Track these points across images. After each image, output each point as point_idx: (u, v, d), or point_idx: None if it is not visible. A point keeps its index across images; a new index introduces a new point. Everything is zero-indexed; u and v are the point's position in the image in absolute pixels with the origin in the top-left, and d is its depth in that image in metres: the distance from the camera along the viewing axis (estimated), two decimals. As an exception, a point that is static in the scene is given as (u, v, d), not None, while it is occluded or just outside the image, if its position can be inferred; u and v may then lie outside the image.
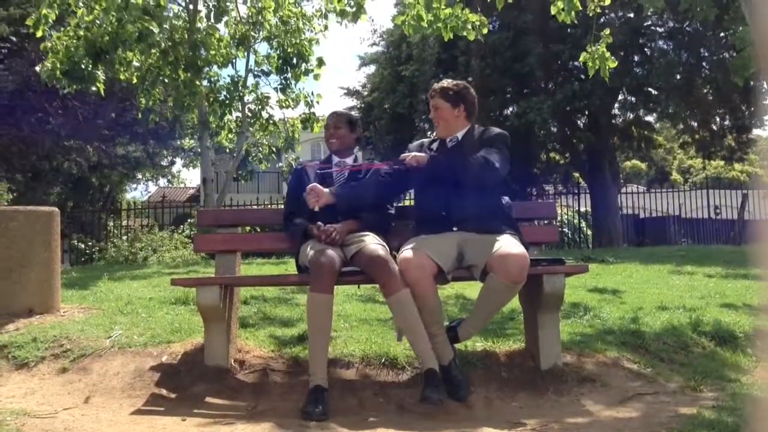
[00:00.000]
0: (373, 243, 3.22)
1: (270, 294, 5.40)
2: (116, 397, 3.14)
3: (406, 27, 6.72)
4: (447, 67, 17.51)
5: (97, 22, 8.39)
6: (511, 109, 17.97)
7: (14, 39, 16.24)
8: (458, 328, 3.30)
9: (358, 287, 5.23)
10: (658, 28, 17.34)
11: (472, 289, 5.64)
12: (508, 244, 3.08)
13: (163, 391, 3.20)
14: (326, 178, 3.55)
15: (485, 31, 6.69)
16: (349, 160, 3.70)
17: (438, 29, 6.81)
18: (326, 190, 3.35)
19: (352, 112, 4.09)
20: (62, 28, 9.20)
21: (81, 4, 7.26)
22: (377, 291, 5.57)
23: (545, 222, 7.70)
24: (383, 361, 3.48)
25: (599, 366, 3.52)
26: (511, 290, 3.10)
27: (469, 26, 6.57)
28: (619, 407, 3.05)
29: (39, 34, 8.09)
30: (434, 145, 3.57)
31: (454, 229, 3.30)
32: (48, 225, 4.34)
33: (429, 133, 20.32)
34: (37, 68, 9.21)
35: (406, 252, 3.12)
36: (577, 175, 21.23)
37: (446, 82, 3.53)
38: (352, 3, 6.63)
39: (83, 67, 8.53)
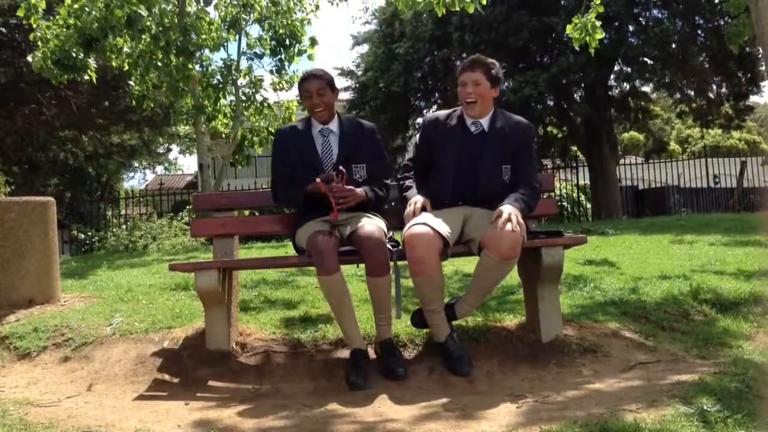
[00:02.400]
0: (369, 224, 3.19)
1: (270, 277, 5.39)
2: (119, 383, 3.15)
3: (401, 3, 6.63)
4: (441, 44, 17.42)
5: (86, 9, 8.31)
6: (506, 84, 17.87)
7: (3, 30, 16.09)
8: (455, 306, 3.29)
9: (357, 266, 5.23)
10: (652, -3, 17.20)
11: (471, 266, 5.64)
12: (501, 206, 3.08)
13: (166, 377, 3.20)
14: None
15: (484, 2, 6.59)
16: (333, 126, 3.45)
17: (431, 4, 6.71)
18: (358, 189, 3.27)
19: (323, 69, 3.69)
20: (51, 18, 9.12)
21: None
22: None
23: (544, 195, 7.67)
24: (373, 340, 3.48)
25: (600, 337, 3.52)
26: (505, 266, 3.09)
27: (468, -1, 6.46)
28: (621, 377, 3.05)
29: (33, 24, 8.01)
30: (451, 121, 3.39)
31: (460, 203, 3.31)
32: (44, 215, 4.32)
33: (425, 111, 20.26)
34: (29, 59, 9.15)
35: (415, 228, 3.07)
36: (574, 148, 21.19)
37: (488, 59, 3.37)
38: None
39: (74, 55, 8.47)
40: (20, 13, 8.09)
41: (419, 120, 21.20)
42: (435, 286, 3.12)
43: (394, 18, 18.60)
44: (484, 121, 3.36)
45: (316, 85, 3.38)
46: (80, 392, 3.04)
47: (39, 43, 8.76)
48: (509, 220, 2.99)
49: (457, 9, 6.70)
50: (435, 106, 20.05)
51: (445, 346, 3.14)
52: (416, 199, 3.24)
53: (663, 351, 3.44)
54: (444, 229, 3.09)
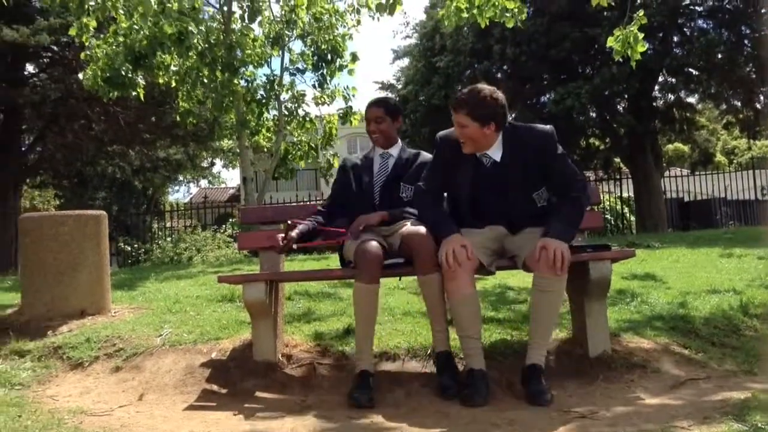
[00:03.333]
0: (414, 224, 3.22)
1: (313, 289, 5.44)
2: (169, 393, 3.21)
3: (448, 20, 6.66)
4: (482, 57, 17.39)
5: (135, 27, 8.56)
6: (548, 95, 17.75)
7: (55, 48, 16.63)
8: (529, 354, 3.05)
9: (399, 280, 5.24)
10: (697, 7, 16.94)
11: (514, 279, 5.61)
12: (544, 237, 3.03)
13: (214, 387, 3.25)
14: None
15: (524, 17, 6.60)
16: (394, 151, 3.60)
17: (474, 16, 6.74)
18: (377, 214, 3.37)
19: (389, 97, 3.92)
20: (102, 36, 9.41)
21: (120, 11, 7.41)
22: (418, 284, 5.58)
23: (588, 208, 7.58)
24: (428, 352, 3.48)
25: (649, 352, 3.47)
26: (558, 283, 3.00)
27: (508, 13, 6.48)
28: (671, 393, 3.00)
29: (85, 42, 8.27)
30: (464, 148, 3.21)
31: (495, 224, 3.25)
32: (96, 228, 4.45)
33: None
34: (80, 76, 9.45)
35: (448, 245, 3.04)
36: (618, 160, 20.87)
37: (470, 93, 3.10)
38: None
39: (123, 73, 8.72)
40: (72, 32, 8.36)
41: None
42: (470, 306, 3.06)
43: (434, 32, 18.66)
44: (492, 153, 3.17)
45: (375, 113, 3.56)
46: (132, 402, 3.11)
47: (90, 61, 9.05)
48: (555, 258, 2.91)
49: (497, 19, 6.73)
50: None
51: (473, 377, 3.00)
52: (453, 243, 3.01)
53: (713, 367, 3.37)
54: (477, 250, 3.06)
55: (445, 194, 3.39)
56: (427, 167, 3.38)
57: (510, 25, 6.74)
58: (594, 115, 18.05)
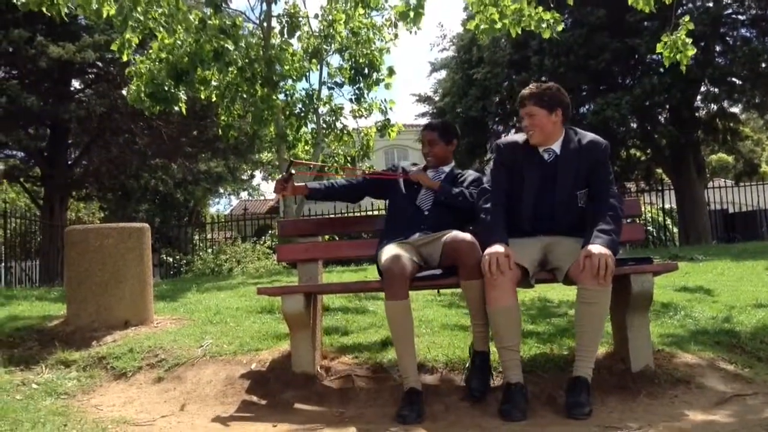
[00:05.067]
0: (457, 231, 3.23)
1: (351, 301, 5.47)
2: (209, 404, 3.25)
3: (479, 33, 6.66)
4: (520, 68, 17.33)
5: (177, 43, 8.75)
6: (587, 106, 17.58)
7: (100, 64, 17.08)
8: (576, 368, 3.02)
9: (438, 293, 5.23)
10: (739, 16, 16.62)
11: (553, 292, 5.55)
12: (588, 246, 3.00)
13: (254, 398, 3.28)
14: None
15: (560, 28, 6.56)
16: (446, 168, 3.74)
17: (505, 25, 6.73)
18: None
19: (445, 121, 4.07)
20: (145, 52, 9.65)
21: (161, 28, 7.58)
22: (456, 296, 5.56)
23: (629, 220, 7.48)
24: (467, 365, 3.46)
25: (693, 367, 3.39)
26: (602, 295, 2.97)
27: (544, 24, 6.45)
28: (717, 410, 2.92)
29: (125, 58, 8.48)
30: (526, 148, 3.32)
31: (539, 233, 3.24)
32: (140, 240, 4.55)
33: (503, 135, 20.14)
34: (123, 92, 9.68)
35: (491, 254, 3.04)
36: (659, 171, 20.52)
37: (538, 87, 3.30)
38: (412, 5, 6.63)
39: (166, 88, 8.91)
40: (114, 47, 8.57)
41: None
42: (510, 317, 3.04)
43: (471, 44, 18.66)
44: (556, 147, 3.28)
45: (428, 136, 3.74)
46: (173, 412, 3.16)
47: (134, 76, 9.27)
48: (599, 266, 2.90)
49: (534, 30, 6.69)
50: (513, 130, 19.91)
51: (511, 391, 2.97)
52: (497, 252, 3.02)
53: (760, 382, 3.27)
54: (521, 259, 3.06)
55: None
56: (489, 173, 3.43)
57: (546, 36, 6.70)
58: (634, 125, 17.79)
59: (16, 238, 15.17)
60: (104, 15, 5.64)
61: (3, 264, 14.69)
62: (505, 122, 20.31)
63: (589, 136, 3.33)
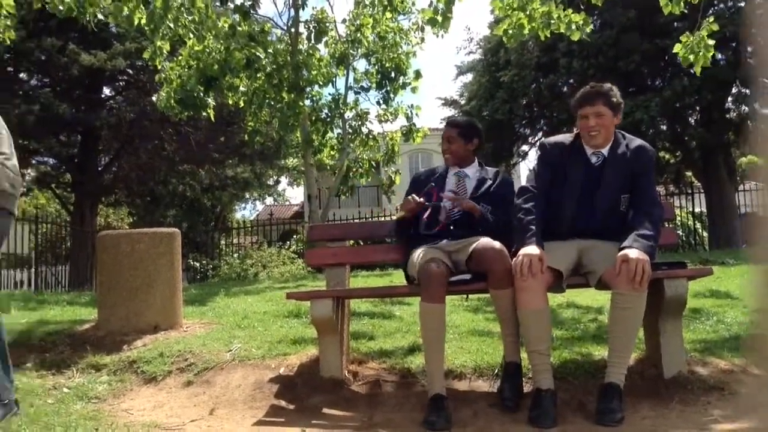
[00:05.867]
0: (487, 239, 3.18)
1: (377, 306, 5.46)
2: (238, 408, 3.26)
3: (507, 37, 6.62)
4: (548, 70, 17.19)
5: (207, 50, 8.85)
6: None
7: (131, 72, 17.35)
8: (608, 373, 2.98)
9: (466, 298, 5.20)
10: (772, 15, 16.28)
11: (582, 297, 5.48)
12: (625, 250, 2.95)
13: (282, 403, 3.29)
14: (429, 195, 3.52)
15: (589, 29, 6.49)
16: (470, 171, 3.63)
17: (533, 29, 6.68)
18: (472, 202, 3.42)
19: (467, 118, 3.97)
20: (175, 59, 9.78)
21: (191, 35, 7.67)
22: (483, 302, 5.52)
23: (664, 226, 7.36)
24: (496, 372, 3.43)
25: (727, 373, 3.32)
26: (637, 299, 2.91)
27: (573, 26, 6.39)
28: (750, 417, 2.85)
29: (158, 65, 8.61)
30: (572, 149, 3.27)
31: (576, 236, 3.20)
32: (170, 245, 4.59)
33: (530, 138, 20.00)
34: (153, 98, 9.82)
35: (523, 257, 3.00)
36: (689, 174, 20.20)
37: (606, 87, 3.23)
38: (440, 10, 6.62)
39: (195, 94, 9.02)
40: (146, 55, 8.70)
41: (524, 147, 20.93)
42: (541, 320, 3.01)
43: (499, 46, 18.55)
44: (605, 151, 3.23)
45: (447, 133, 3.66)
46: (203, 416, 3.17)
47: (164, 83, 9.40)
48: (636, 271, 2.84)
49: (563, 32, 6.63)
50: (540, 133, 19.77)
51: (541, 397, 2.93)
52: (531, 254, 2.97)
53: (797, 391, 3.19)
54: (556, 262, 3.02)
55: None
56: (533, 173, 3.38)
57: (576, 38, 6.64)
58: (664, 128, 17.54)
59: (46, 244, 15.43)
60: (135, 22, 5.73)
61: (34, 269, 14.95)
62: (532, 125, 20.15)
63: (637, 141, 3.28)
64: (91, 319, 4.87)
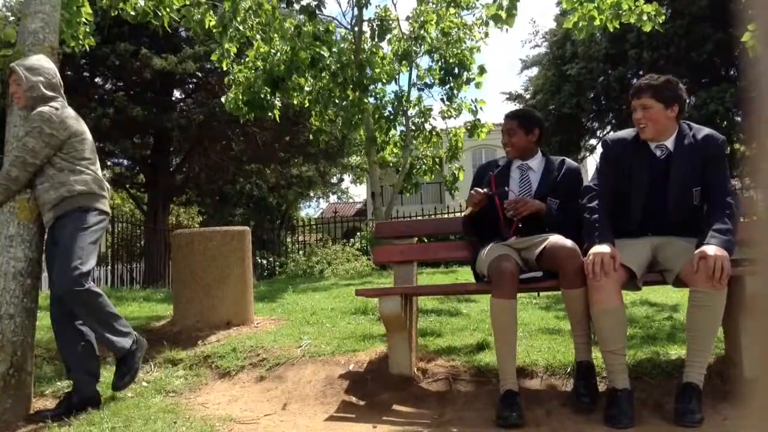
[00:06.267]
0: (559, 237, 3.12)
1: (443, 303, 5.45)
2: (310, 404, 3.31)
3: (578, 30, 6.48)
4: (616, 62, 16.79)
5: (272, 51, 9.02)
6: (689, 100, 16.79)
7: (199, 74, 17.82)
8: (686, 375, 2.87)
9: (538, 295, 5.13)
10: None
11: (656, 294, 5.32)
12: (702, 247, 2.84)
13: (353, 399, 3.32)
14: (503, 199, 3.41)
15: (662, 19, 6.30)
16: (534, 163, 3.51)
17: (603, 21, 6.53)
18: (536, 201, 3.31)
19: (528, 109, 3.87)
20: (242, 61, 10.00)
21: (258, 36, 7.83)
22: (553, 299, 5.43)
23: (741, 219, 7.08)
24: (568, 370, 3.37)
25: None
26: (717, 298, 2.81)
27: (644, 17, 6.22)
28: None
29: (224, 67, 8.83)
30: (636, 144, 3.19)
31: (648, 234, 3.11)
32: (241, 243, 4.70)
33: (598, 132, 19.54)
34: (222, 100, 10.06)
35: (595, 254, 2.94)
36: (767, 167, 19.37)
37: (657, 79, 3.15)
38: (505, 6, 6.54)
39: (261, 95, 9.20)
40: (214, 57, 8.93)
41: (592, 141, 20.47)
42: (615, 319, 2.93)
43: (565, 39, 18.23)
44: (669, 143, 3.12)
45: (507, 125, 3.54)
46: (276, 411, 3.23)
47: (232, 84, 9.62)
48: (714, 268, 2.74)
49: (634, 23, 6.45)
50: (609, 127, 19.29)
51: (617, 397, 2.85)
52: (602, 253, 2.92)
53: None
54: (629, 260, 2.94)
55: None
56: (597, 171, 3.30)
57: (647, 29, 6.46)
58: (739, 119, 16.86)
59: (122, 242, 16.03)
60: (206, 26, 5.89)
61: (110, 266, 15.56)
62: (600, 119, 19.71)
63: (704, 130, 3.15)
64: (166, 315, 5.04)
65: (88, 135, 3.39)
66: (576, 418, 2.96)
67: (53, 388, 3.59)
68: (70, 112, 3.29)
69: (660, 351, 3.59)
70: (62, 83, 3.39)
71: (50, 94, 3.27)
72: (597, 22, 6.31)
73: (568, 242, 3.05)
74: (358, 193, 50.92)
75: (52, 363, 3.99)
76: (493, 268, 3.07)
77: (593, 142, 20.84)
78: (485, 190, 3.38)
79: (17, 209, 3.23)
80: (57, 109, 3.22)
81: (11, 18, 14.20)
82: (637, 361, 3.42)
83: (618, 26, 6.59)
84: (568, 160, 3.56)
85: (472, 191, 3.42)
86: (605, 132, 19.73)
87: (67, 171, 3.22)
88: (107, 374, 3.64)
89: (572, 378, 3.25)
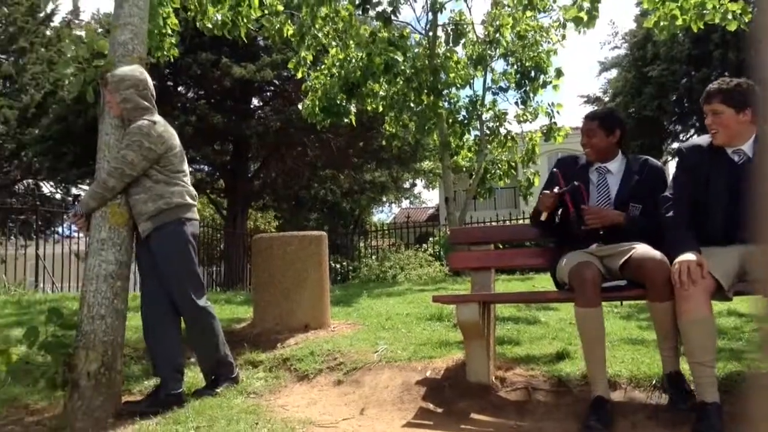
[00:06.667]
0: (644, 247, 3.01)
1: (520, 310, 5.36)
2: (387, 409, 3.31)
3: (658, 30, 6.27)
4: (700, 64, 16.17)
5: (348, 58, 9.14)
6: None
7: (277, 82, 18.22)
8: None
9: (621, 304, 4.98)
10: None
11: (744, 305, 5.06)
12: None
13: (430, 406, 3.30)
14: (575, 195, 3.29)
15: (748, 18, 6.03)
16: (613, 166, 3.38)
17: (686, 21, 6.29)
18: (615, 212, 3.19)
19: (610, 108, 3.72)
20: (317, 68, 10.17)
21: (334, 43, 7.96)
22: (636, 308, 5.26)
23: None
24: (653, 382, 3.25)
25: None
26: None
27: (729, 16, 5.96)
28: None
29: (299, 75, 9.00)
30: (713, 150, 3.06)
31: (735, 242, 2.96)
32: (318, 247, 4.76)
33: (681, 135, 18.85)
34: (299, 106, 10.26)
35: (682, 263, 2.83)
36: None
37: (728, 83, 3.03)
38: (585, 8, 6.38)
39: (337, 102, 9.33)
40: (290, 65, 9.12)
41: (675, 145, 19.77)
42: (705, 329, 2.80)
43: (646, 40, 17.70)
44: (746, 148, 2.98)
45: (586, 126, 3.40)
46: (354, 415, 3.25)
47: (308, 91, 9.80)
48: None
49: (719, 23, 6.20)
50: (692, 130, 18.57)
51: (706, 411, 2.73)
52: (688, 261, 2.80)
53: None
54: (715, 269, 2.80)
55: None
56: (673, 179, 3.18)
57: (732, 28, 6.19)
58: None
59: (203, 246, 16.55)
60: (285, 34, 6.02)
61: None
62: (683, 122, 18.99)
63: None
64: (246, 318, 5.15)
65: (181, 148, 3.53)
66: (663, 431, 2.85)
67: (141, 387, 3.73)
68: (165, 125, 3.44)
69: (750, 364, 3.41)
70: (154, 93, 3.53)
71: (144, 104, 3.40)
72: (679, 22, 6.08)
73: (656, 253, 2.93)
74: (431, 197, 50.81)
75: (139, 362, 4.15)
76: (574, 275, 2.99)
77: (676, 145, 20.13)
78: (555, 190, 3.28)
79: (109, 214, 3.38)
80: (155, 123, 3.36)
81: (99, 30, 14.91)
82: (726, 374, 3.27)
83: (702, 26, 6.34)
84: (651, 160, 3.42)
85: (541, 194, 3.35)
86: (688, 135, 19.02)
87: (164, 183, 3.37)
88: (191, 374, 3.77)
89: (659, 391, 3.14)
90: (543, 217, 3.31)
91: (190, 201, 3.46)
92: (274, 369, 3.95)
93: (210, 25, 5.98)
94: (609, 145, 3.37)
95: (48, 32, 22.19)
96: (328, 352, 4.03)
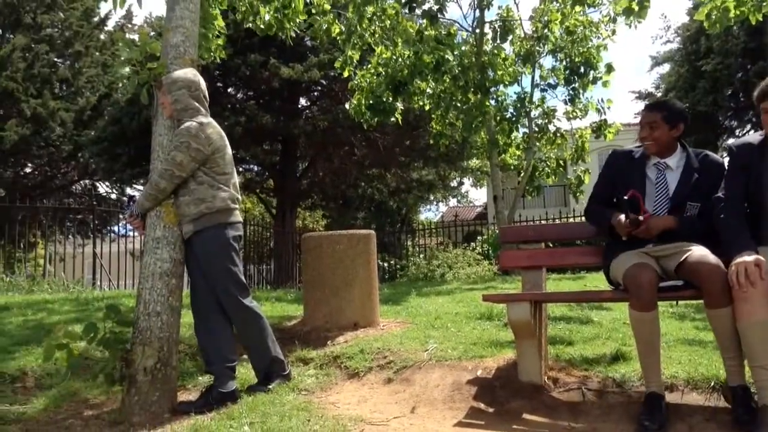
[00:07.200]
0: (700, 250, 2.92)
1: (572, 310, 5.28)
2: (438, 408, 3.30)
3: (710, 23, 6.09)
4: (756, 57, 15.66)
5: (394, 57, 9.14)
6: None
7: (324, 82, 18.34)
8: None
9: (676, 303, 4.86)
10: None
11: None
12: None
13: (481, 405, 3.28)
14: (633, 204, 3.13)
15: (810, 6, 5.81)
16: (672, 161, 3.23)
17: (743, 13, 6.08)
18: (668, 216, 3.09)
19: (671, 100, 3.54)
20: (364, 67, 10.20)
21: (380, 42, 7.97)
22: (692, 308, 5.13)
23: None
24: (711, 384, 3.16)
25: None
26: None
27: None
28: None
29: (345, 74, 9.04)
30: (763, 148, 2.98)
31: None
32: (367, 246, 4.78)
33: (737, 131, 18.28)
34: (346, 105, 10.31)
35: (739, 264, 2.74)
36: None
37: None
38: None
39: (384, 100, 9.34)
40: (337, 65, 9.16)
41: (731, 141, 19.19)
42: (765, 332, 2.69)
43: (699, 34, 17.23)
44: None
45: (648, 118, 3.23)
46: (404, 413, 3.25)
47: (355, 90, 9.84)
48: None
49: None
50: (749, 125, 17.99)
51: (766, 413, 2.65)
52: (746, 261, 2.71)
53: None
54: None
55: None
56: (725, 179, 3.06)
57: (789, 19, 5.96)
58: None
59: (253, 244, 16.79)
60: (332, 34, 6.06)
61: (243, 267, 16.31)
62: (739, 117, 18.43)
63: None
64: (297, 315, 5.21)
65: (229, 150, 3.58)
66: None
67: (195, 383, 3.81)
68: (214, 127, 3.49)
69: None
70: (207, 95, 3.59)
71: (194, 105, 3.46)
72: (732, 14, 5.87)
73: (712, 258, 2.83)
74: (478, 196, 50.52)
75: (193, 359, 4.23)
76: (630, 277, 2.91)
77: (732, 141, 19.55)
78: (628, 220, 3.07)
79: (164, 213, 3.45)
80: (202, 124, 3.41)
81: (152, 33, 15.26)
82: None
83: (761, 18, 6.13)
84: (711, 155, 3.26)
85: (616, 220, 3.15)
86: (745, 131, 18.44)
87: (207, 185, 3.41)
88: (243, 371, 3.83)
89: (717, 393, 3.05)
90: (623, 236, 3.14)
91: (232, 205, 3.49)
92: (324, 366, 3.98)
93: (262, 26, 6.06)
94: (671, 139, 3.22)
95: (102, 36, 22.82)
96: (378, 350, 4.04)
